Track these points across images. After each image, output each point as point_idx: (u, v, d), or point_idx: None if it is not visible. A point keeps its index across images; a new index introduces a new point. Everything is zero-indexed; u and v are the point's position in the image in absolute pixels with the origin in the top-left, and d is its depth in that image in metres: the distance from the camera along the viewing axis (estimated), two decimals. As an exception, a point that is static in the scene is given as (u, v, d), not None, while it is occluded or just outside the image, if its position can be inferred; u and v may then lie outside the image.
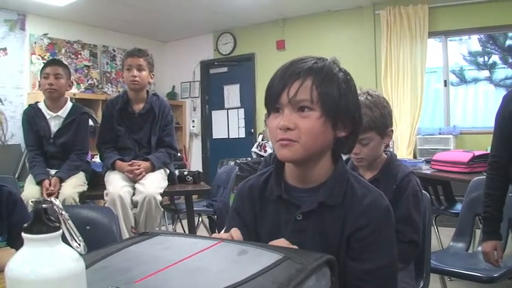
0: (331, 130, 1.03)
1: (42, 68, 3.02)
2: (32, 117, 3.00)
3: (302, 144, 1.00)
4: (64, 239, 0.58)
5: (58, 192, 2.78)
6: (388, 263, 1.01)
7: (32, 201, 0.58)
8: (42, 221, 0.56)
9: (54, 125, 3.01)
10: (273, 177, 1.12)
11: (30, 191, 2.77)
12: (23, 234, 0.55)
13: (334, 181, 1.06)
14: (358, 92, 1.69)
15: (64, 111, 3.02)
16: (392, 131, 1.74)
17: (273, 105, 1.04)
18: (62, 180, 2.85)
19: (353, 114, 1.06)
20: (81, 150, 3.05)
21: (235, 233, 0.97)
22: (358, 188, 1.06)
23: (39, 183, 2.81)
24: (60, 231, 0.57)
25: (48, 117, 2.99)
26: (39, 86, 3.12)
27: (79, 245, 0.60)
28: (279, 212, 1.09)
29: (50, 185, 2.78)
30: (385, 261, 1.00)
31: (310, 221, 1.05)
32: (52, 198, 0.58)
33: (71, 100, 3.16)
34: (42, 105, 3.02)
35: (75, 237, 0.61)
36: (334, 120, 1.02)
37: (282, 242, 0.94)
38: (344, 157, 1.74)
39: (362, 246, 1.00)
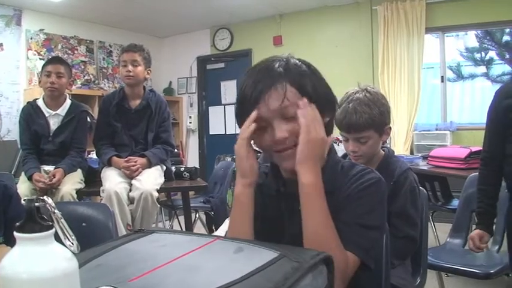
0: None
1: (44, 65, 2.99)
2: (30, 115, 2.97)
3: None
4: (57, 238, 0.57)
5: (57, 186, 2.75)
6: (368, 219, 1.02)
7: (24, 200, 0.57)
8: (35, 219, 0.55)
9: (54, 123, 2.98)
10: (270, 173, 1.14)
11: (23, 188, 2.74)
12: (15, 234, 0.54)
13: (330, 168, 1.09)
14: (356, 88, 1.69)
15: (63, 109, 3.00)
16: (390, 128, 1.73)
17: (248, 116, 1.04)
18: (64, 173, 2.81)
19: (331, 99, 1.11)
20: (80, 148, 3.03)
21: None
22: (348, 168, 1.10)
23: (30, 178, 2.77)
24: (53, 230, 0.56)
25: (47, 115, 2.97)
26: (39, 82, 3.08)
27: (72, 243, 0.60)
28: (280, 206, 1.11)
29: (41, 177, 2.73)
30: (365, 216, 1.02)
31: None
32: (45, 197, 0.57)
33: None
34: (41, 103, 2.99)
35: (68, 236, 0.60)
36: (321, 108, 1.05)
37: None
38: (341, 153, 1.74)
39: (344, 202, 1.04)
